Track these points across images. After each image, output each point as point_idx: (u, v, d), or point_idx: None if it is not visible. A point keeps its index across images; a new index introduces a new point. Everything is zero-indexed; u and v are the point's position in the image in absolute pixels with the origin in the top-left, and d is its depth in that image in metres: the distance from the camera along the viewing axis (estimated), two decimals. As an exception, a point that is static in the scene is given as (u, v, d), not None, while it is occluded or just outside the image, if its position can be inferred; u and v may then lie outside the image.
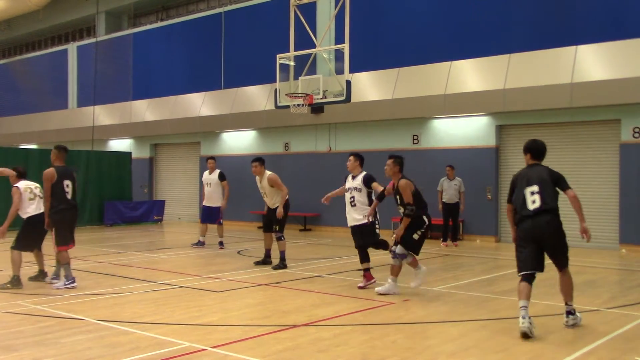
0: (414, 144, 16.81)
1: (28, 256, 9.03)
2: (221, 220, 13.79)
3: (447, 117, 16.34)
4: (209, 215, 13.84)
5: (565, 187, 6.40)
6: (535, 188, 6.35)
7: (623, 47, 13.69)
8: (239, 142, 21.26)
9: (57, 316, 6.96)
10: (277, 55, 14.47)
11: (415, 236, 8.15)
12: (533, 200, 6.32)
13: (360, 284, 8.85)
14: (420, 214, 8.17)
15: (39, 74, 29.94)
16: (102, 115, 24.78)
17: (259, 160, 10.99)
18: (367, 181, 9.15)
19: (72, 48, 28.42)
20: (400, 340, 6.07)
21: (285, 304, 7.83)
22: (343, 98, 13.47)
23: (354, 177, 9.23)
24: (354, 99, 14.47)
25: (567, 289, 6.54)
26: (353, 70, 14.63)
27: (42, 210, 8.75)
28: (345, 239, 15.89)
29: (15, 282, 8.57)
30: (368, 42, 17.68)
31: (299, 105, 13.97)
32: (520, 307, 6.13)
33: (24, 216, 8.71)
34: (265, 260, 11.11)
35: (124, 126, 24.17)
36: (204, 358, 5.40)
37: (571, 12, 14.79)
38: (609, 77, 13.58)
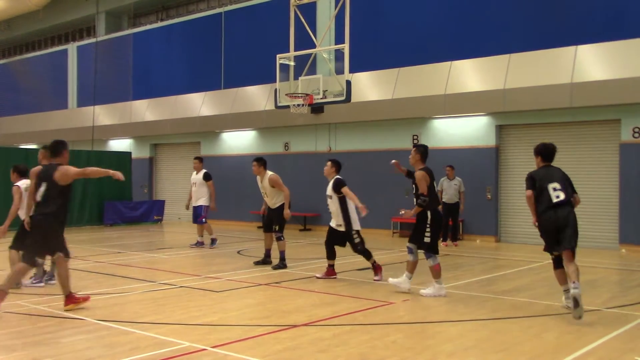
0: (414, 143, 16.81)
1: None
2: (204, 220, 13.84)
3: (447, 117, 16.34)
4: (194, 215, 13.95)
5: (573, 190, 7.34)
6: (557, 185, 7.18)
7: (623, 47, 13.69)
8: (239, 142, 21.26)
9: (57, 316, 6.96)
10: (277, 55, 14.47)
11: (427, 239, 8.20)
12: (557, 195, 7.14)
13: (376, 277, 9.37)
14: (425, 209, 8.20)
15: (39, 74, 29.95)
16: (102, 115, 24.79)
17: (259, 160, 11.00)
18: (336, 187, 9.33)
19: (72, 48, 28.43)
20: (400, 340, 6.07)
21: (285, 304, 7.83)
22: (343, 98, 13.47)
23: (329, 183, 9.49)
24: (354, 99, 14.47)
25: (577, 270, 7.02)
26: (353, 70, 14.63)
27: None
28: (345, 239, 15.90)
29: None
30: (368, 42, 17.68)
31: (299, 105, 13.96)
32: (564, 291, 7.29)
33: (23, 216, 8.70)
34: (265, 260, 11.12)
35: (124, 126, 24.17)
36: (204, 358, 5.40)
37: (571, 12, 14.79)
38: (609, 77, 13.58)
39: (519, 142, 15.51)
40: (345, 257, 12.28)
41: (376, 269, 9.45)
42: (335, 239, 9.65)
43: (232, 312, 7.37)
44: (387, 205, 17.08)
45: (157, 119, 22.85)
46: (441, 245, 14.41)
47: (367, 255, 9.48)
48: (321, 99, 13.78)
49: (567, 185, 7.23)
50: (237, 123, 20.47)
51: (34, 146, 26.73)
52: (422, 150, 8.48)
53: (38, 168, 8.65)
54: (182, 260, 12.05)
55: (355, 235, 9.41)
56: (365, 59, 17.28)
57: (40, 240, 7.38)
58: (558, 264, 7.24)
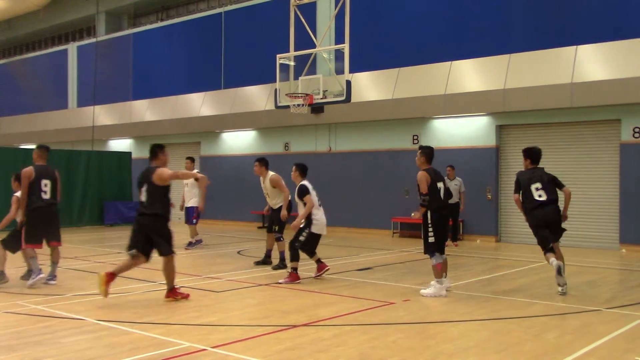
0: (414, 144, 16.80)
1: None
2: (194, 221, 13.85)
3: (447, 117, 16.34)
4: (186, 216, 14.03)
5: (560, 185, 8.43)
6: (539, 185, 8.29)
7: (623, 47, 13.69)
8: (239, 142, 21.25)
9: (57, 316, 6.95)
10: (277, 55, 14.46)
11: (431, 239, 8.20)
12: (539, 194, 8.27)
13: (281, 280, 9.26)
14: (427, 208, 8.21)
15: (39, 74, 29.94)
16: (102, 115, 24.78)
17: (261, 160, 11.00)
18: (300, 194, 9.26)
19: (72, 48, 28.43)
20: (400, 340, 6.07)
21: (285, 304, 7.82)
22: (343, 98, 13.45)
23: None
24: (354, 99, 14.45)
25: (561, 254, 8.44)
26: (353, 70, 14.61)
27: None
28: (345, 239, 15.90)
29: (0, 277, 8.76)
30: (368, 42, 17.67)
31: (299, 105, 13.94)
32: (551, 261, 8.21)
33: (18, 219, 8.83)
34: (266, 261, 11.12)
35: (124, 126, 24.17)
36: (204, 358, 5.39)
37: (571, 12, 14.79)
38: (609, 77, 13.58)
39: (519, 142, 15.49)
40: (346, 257, 12.29)
41: (291, 275, 9.27)
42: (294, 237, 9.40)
43: (232, 312, 7.37)
44: (387, 206, 17.09)
45: (157, 119, 22.84)
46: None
47: (293, 256, 9.27)
48: (321, 99, 13.77)
49: (551, 185, 8.28)
50: (237, 123, 20.46)
51: (34, 146, 26.71)
52: (427, 152, 8.48)
53: (30, 168, 8.72)
54: (182, 261, 12.04)
55: (304, 233, 9.26)
56: (365, 59, 17.28)
57: (156, 239, 8.05)
58: (548, 250, 8.37)
